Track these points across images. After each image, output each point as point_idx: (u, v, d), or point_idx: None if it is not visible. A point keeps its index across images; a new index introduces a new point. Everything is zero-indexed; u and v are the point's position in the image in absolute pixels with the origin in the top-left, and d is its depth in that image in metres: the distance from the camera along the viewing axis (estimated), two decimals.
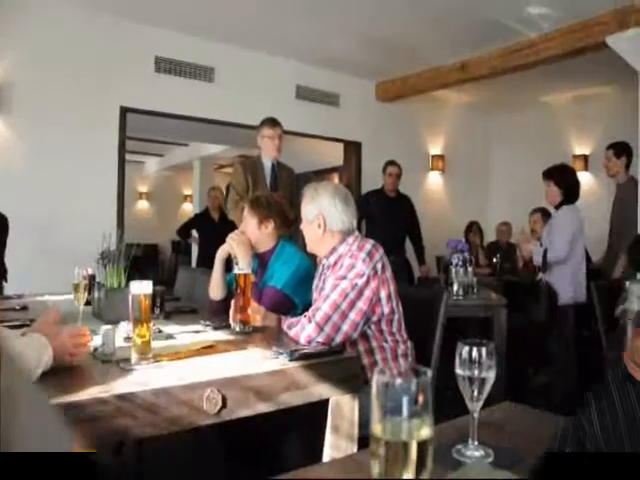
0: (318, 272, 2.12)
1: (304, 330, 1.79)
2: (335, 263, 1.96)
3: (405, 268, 4.89)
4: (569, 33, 4.43)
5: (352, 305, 1.82)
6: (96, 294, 2.21)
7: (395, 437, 0.61)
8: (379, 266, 1.88)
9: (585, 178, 6.13)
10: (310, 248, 2.08)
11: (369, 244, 1.92)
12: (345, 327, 1.81)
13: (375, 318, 1.89)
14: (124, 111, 4.59)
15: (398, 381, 0.62)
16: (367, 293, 1.84)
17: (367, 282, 1.84)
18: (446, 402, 1.28)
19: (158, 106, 4.77)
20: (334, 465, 1.12)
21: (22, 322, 1.91)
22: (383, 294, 1.88)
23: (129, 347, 1.48)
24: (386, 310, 1.90)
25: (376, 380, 0.63)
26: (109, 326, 1.56)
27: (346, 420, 1.56)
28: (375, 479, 0.61)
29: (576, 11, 4.19)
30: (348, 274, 1.83)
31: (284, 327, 1.92)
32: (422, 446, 0.61)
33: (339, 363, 1.58)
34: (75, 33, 4.32)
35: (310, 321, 1.79)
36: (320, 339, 1.77)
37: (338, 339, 1.80)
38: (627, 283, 2.49)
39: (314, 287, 2.12)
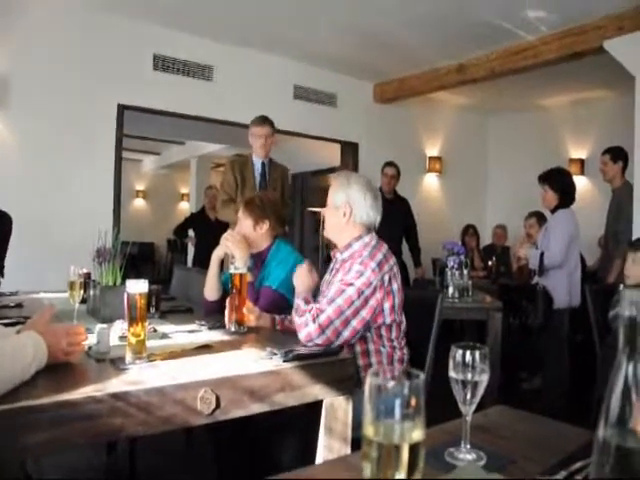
0: (330, 266, 2.12)
1: (306, 328, 1.78)
2: (346, 261, 1.95)
3: (401, 270, 4.89)
4: (567, 37, 4.45)
5: (356, 313, 1.82)
6: (91, 292, 2.21)
7: (387, 439, 0.61)
8: (387, 278, 1.88)
9: (581, 182, 6.15)
10: (329, 234, 2.05)
11: (381, 253, 1.92)
12: (346, 333, 1.81)
13: (376, 325, 1.89)
14: (122, 108, 4.58)
15: (391, 384, 0.62)
16: (371, 302, 1.84)
17: (373, 292, 1.84)
18: (440, 405, 1.28)
19: (156, 104, 4.77)
20: (327, 466, 1.12)
21: (16, 319, 1.90)
22: (387, 305, 1.88)
23: (124, 346, 1.47)
24: (388, 320, 1.90)
25: (369, 382, 0.63)
26: (104, 325, 1.56)
27: (340, 421, 1.57)
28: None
29: (574, 15, 4.21)
30: (356, 282, 1.82)
31: (293, 311, 1.90)
32: (414, 449, 0.62)
33: (333, 365, 1.59)
34: (73, 30, 4.31)
35: (314, 321, 1.79)
36: (319, 341, 1.77)
37: (337, 343, 1.80)
38: (621, 287, 2.50)
39: (323, 280, 2.11)
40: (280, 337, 1.95)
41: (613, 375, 0.64)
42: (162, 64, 4.75)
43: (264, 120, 3.67)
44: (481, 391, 0.94)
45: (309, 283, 1.96)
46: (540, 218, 4.83)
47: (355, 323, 1.82)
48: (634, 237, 3.68)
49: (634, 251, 2.82)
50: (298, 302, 1.90)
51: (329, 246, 2.06)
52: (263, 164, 3.73)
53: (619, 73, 4.21)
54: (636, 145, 4.10)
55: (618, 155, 4.21)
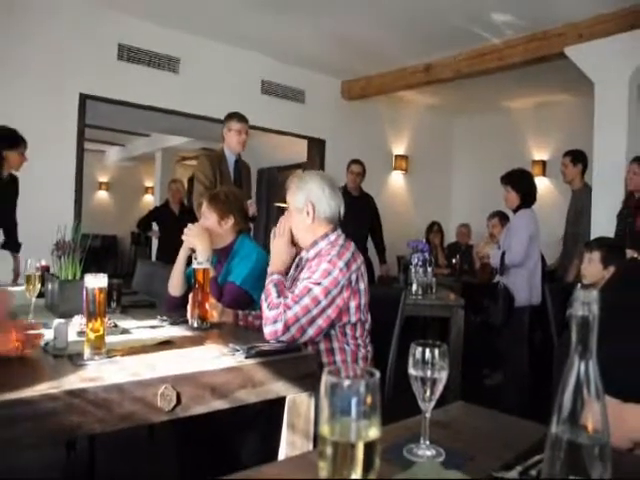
0: (295, 262, 2.11)
1: (273, 325, 1.76)
2: (312, 259, 1.94)
3: (366, 267, 4.92)
4: (531, 41, 4.54)
5: (322, 312, 1.81)
6: (49, 286, 2.15)
7: (343, 438, 0.61)
8: (354, 277, 1.87)
9: (543, 183, 6.30)
10: (299, 239, 2.01)
11: (349, 252, 1.91)
12: (311, 331, 1.81)
13: (340, 324, 1.90)
14: (83, 98, 4.47)
15: (346, 382, 0.62)
16: (338, 302, 1.83)
17: (340, 291, 1.83)
18: (403, 401, 1.30)
19: (120, 95, 4.67)
20: (289, 463, 1.12)
21: None
22: (353, 304, 1.88)
23: (82, 342, 1.44)
24: (353, 319, 1.90)
25: (324, 381, 0.63)
26: (62, 319, 1.53)
27: (302, 418, 1.57)
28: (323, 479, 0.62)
29: (538, 20, 4.30)
30: (323, 281, 1.81)
31: (262, 295, 1.88)
32: (369, 447, 0.62)
33: (296, 361, 1.58)
34: (34, 15, 4.18)
35: (281, 319, 1.77)
36: (284, 338, 1.76)
37: (301, 340, 1.80)
38: (578, 286, 2.56)
39: (288, 276, 2.11)
40: (243, 333, 1.94)
41: (566, 372, 0.66)
42: (127, 54, 4.66)
43: (244, 117, 3.72)
44: (440, 388, 0.95)
45: (286, 257, 1.96)
46: (502, 218, 4.93)
47: (321, 322, 1.82)
48: (592, 237, 3.78)
49: (590, 251, 2.90)
50: (270, 287, 1.87)
51: (292, 241, 2.04)
52: (236, 160, 3.75)
53: (580, 78, 4.32)
54: (595, 148, 4.22)
55: (578, 158, 4.33)
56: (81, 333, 1.59)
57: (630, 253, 3.16)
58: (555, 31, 4.36)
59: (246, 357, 1.50)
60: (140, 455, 2.84)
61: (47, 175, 4.26)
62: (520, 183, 3.81)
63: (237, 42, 5.13)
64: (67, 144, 4.41)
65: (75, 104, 4.42)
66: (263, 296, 1.87)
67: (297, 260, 2.10)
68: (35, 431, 1.13)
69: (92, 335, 1.41)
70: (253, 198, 3.66)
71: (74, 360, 1.38)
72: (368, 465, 0.61)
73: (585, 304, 0.64)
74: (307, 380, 1.57)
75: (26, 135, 4.15)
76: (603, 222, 3.95)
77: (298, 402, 1.56)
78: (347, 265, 1.86)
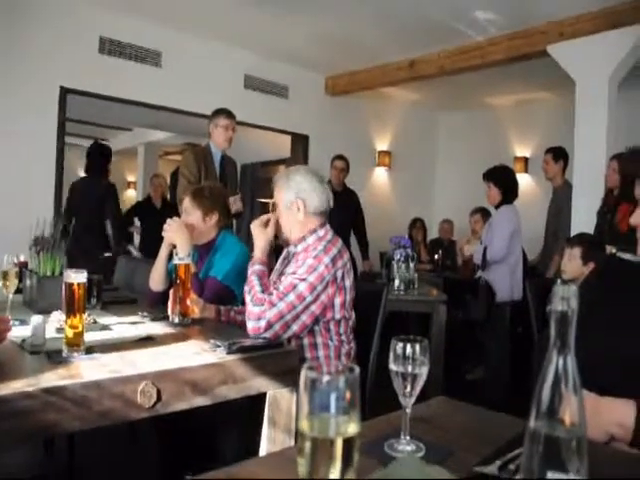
0: (282, 256, 2.10)
1: (257, 321, 1.75)
2: (299, 253, 1.93)
3: None
4: (514, 39, 4.57)
5: (306, 308, 1.80)
6: (27, 282, 2.12)
7: (322, 434, 0.61)
8: (340, 274, 1.87)
9: (524, 180, 6.35)
10: (289, 235, 2.00)
11: (336, 248, 1.90)
12: (295, 327, 1.80)
13: (324, 320, 1.89)
14: (64, 92, 4.40)
15: (326, 378, 0.62)
16: (322, 298, 1.83)
17: (325, 287, 1.83)
18: (385, 396, 1.30)
19: (101, 89, 4.60)
20: (269, 459, 1.12)
21: None
22: (337, 301, 1.88)
23: (61, 338, 1.42)
24: (337, 316, 1.90)
25: (303, 377, 0.62)
26: (40, 316, 1.50)
27: (283, 413, 1.57)
28: (301, 478, 0.62)
29: (520, 18, 4.33)
30: (309, 277, 1.81)
31: (245, 287, 1.87)
32: (348, 443, 0.62)
33: (277, 357, 1.58)
34: (15, 8, 4.10)
35: (265, 316, 1.76)
36: (267, 335, 1.75)
37: (285, 336, 1.79)
38: (558, 281, 2.58)
39: (274, 269, 2.09)
40: (225, 329, 1.93)
41: (544, 367, 0.66)
42: (108, 47, 4.59)
43: (232, 113, 3.70)
44: (421, 384, 0.95)
45: (264, 244, 1.97)
46: (485, 214, 4.96)
47: (305, 318, 1.81)
48: (572, 234, 3.83)
49: (570, 247, 2.93)
50: (253, 279, 1.85)
51: (277, 236, 2.03)
52: (222, 157, 3.73)
53: (561, 76, 4.36)
54: (576, 146, 4.27)
55: (559, 155, 4.38)
56: (60, 329, 1.57)
57: (609, 249, 3.20)
58: (537, 29, 4.39)
59: (227, 353, 1.49)
60: (120, 452, 2.81)
61: (26, 169, 4.19)
62: (502, 179, 3.84)
63: (220, 37, 5.09)
64: (47, 138, 4.34)
65: (55, 98, 4.35)
66: (246, 287, 1.86)
67: (284, 254, 2.09)
68: (12, 430, 1.11)
69: (70, 331, 1.39)
70: (240, 194, 3.63)
71: (52, 357, 1.37)
72: (347, 461, 0.61)
73: (564, 299, 0.65)
74: (288, 376, 1.57)
75: (5, 130, 4.09)
76: (583, 219, 4.00)
77: (279, 398, 1.56)
78: (333, 261, 1.86)
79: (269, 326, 1.75)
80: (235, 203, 3.35)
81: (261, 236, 1.98)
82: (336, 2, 4.21)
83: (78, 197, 4.50)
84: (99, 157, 4.76)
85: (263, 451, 1.54)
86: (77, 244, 2.75)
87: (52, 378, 1.22)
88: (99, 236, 4.48)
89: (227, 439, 1.87)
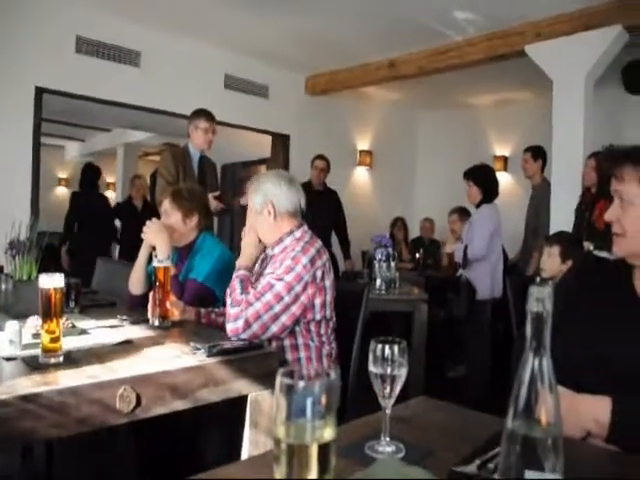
0: (260, 258, 2.09)
1: (235, 322, 1.74)
2: (277, 255, 1.93)
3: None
4: (492, 39, 4.61)
5: (286, 308, 1.79)
6: (3, 287, 2.08)
7: (298, 440, 0.61)
8: (319, 273, 1.86)
9: (504, 178, 6.41)
10: (265, 240, 2.00)
11: (314, 248, 1.89)
12: (274, 328, 1.79)
13: (305, 320, 1.88)
14: (40, 92, 4.33)
15: (301, 383, 0.61)
16: (302, 299, 1.82)
17: (304, 288, 1.82)
18: (366, 397, 1.30)
19: (79, 89, 4.54)
20: (251, 462, 1.11)
21: None
22: (318, 301, 1.87)
23: (37, 344, 1.40)
24: (318, 317, 1.89)
25: (279, 382, 0.62)
26: (15, 321, 1.47)
27: (265, 416, 1.56)
28: None
29: (498, 19, 4.36)
30: (286, 277, 1.80)
31: (227, 290, 1.86)
32: (324, 448, 0.61)
33: (258, 359, 1.57)
34: None
35: (242, 316, 1.75)
36: (245, 336, 1.74)
37: (265, 337, 1.78)
38: (537, 279, 2.62)
39: (254, 272, 2.09)
40: (205, 331, 1.92)
41: (521, 367, 0.67)
42: (86, 47, 4.52)
43: (212, 115, 3.64)
44: (400, 385, 0.95)
45: (252, 250, 1.97)
46: (462, 213, 5.00)
47: (285, 319, 1.80)
48: (551, 231, 3.87)
49: (549, 245, 2.97)
50: (235, 283, 1.85)
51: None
52: (200, 157, 3.68)
53: (539, 76, 4.40)
54: (553, 145, 4.32)
55: (538, 154, 4.44)
56: (36, 335, 1.54)
57: (587, 245, 3.25)
58: (515, 30, 4.43)
59: (208, 356, 1.48)
60: (100, 459, 2.77)
61: (1, 171, 4.12)
62: (482, 178, 3.88)
63: (200, 36, 5.05)
64: (22, 139, 4.27)
65: (31, 98, 4.28)
66: (228, 291, 1.85)
67: (262, 256, 2.08)
68: None
69: (47, 337, 1.37)
70: (219, 192, 3.60)
71: (28, 363, 1.34)
72: (324, 466, 0.60)
73: (539, 300, 0.65)
74: (269, 377, 1.55)
75: None
76: (562, 216, 4.05)
77: (260, 400, 1.55)
78: (311, 261, 1.85)
79: (247, 326, 1.74)
80: (212, 202, 3.32)
81: (245, 242, 1.99)
82: (316, 2, 4.21)
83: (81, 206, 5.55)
84: (89, 172, 5.85)
85: (245, 454, 1.54)
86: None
87: (28, 385, 1.20)
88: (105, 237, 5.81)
89: (208, 443, 1.86)
